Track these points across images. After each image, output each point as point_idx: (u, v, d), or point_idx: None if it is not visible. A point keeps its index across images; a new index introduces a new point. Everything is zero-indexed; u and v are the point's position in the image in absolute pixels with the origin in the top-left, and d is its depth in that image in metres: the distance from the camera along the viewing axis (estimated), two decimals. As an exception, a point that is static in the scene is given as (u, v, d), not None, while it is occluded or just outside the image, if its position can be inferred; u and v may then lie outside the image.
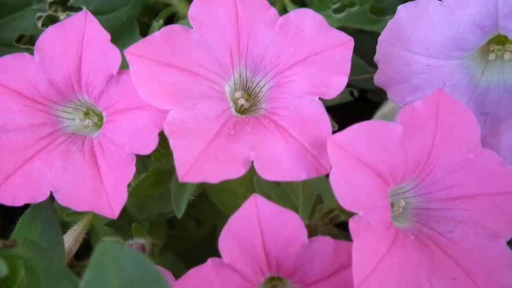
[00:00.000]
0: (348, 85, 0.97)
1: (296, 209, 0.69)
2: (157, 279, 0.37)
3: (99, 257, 0.36)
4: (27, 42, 0.84)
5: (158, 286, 0.37)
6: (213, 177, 0.55)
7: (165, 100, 0.56)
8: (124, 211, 0.82)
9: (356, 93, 0.98)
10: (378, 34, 0.65)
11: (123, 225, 0.80)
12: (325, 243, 0.56)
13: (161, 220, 0.86)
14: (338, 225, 0.66)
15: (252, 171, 0.69)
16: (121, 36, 0.80)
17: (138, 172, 0.74)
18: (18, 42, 0.82)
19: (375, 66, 0.67)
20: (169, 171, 0.70)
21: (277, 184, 0.75)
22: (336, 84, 0.59)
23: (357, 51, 0.63)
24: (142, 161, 0.83)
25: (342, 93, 1.00)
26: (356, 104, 0.93)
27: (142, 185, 0.74)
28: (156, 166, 0.75)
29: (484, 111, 0.67)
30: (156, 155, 0.76)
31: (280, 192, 0.71)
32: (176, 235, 0.92)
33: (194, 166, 0.55)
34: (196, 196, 0.77)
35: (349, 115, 0.66)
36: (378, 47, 0.65)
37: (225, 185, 0.76)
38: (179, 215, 0.67)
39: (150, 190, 0.75)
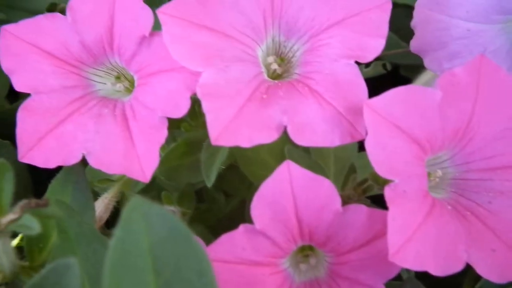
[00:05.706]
0: (380, 59, 0.96)
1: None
2: (187, 238, 0.36)
3: (129, 214, 0.35)
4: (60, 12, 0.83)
5: (189, 246, 0.36)
6: (245, 141, 0.54)
7: (197, 61, 0.55)
8: (153, 181, 0.83)
9: (389, 66, 0.96)
10: (411, 8, 0.63)
11: (153, 196, 0.80)
12: (359, 211, 0.55)
13: (190, 190, 0.86)
14: (372, 201, 0.65)
15: (283, 142, 0.68)
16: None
17: (167, 143, 0.74)
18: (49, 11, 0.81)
19: (407, 41, 0.65)
20: (199, 141, 0.69)
21: (308, 155, 0.74)
22: (373, 47, 0.57)
23: (389, 25, 0.60)
24: (171, 133, 0.83)
25: (374, 66, 0.99)
26: (388, 81, 0.90)
27: (172, 155, 0.74)
28: (186, 136, 0.75)
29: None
30: (186, 126, 0.75)
31: (311, 163, 0.69)
32: (205, 208, 0.92)
33: (227, 129, 0.54)
34: (225, 168, 0.77)
35: (381, 91, 0.64)
36: (415, 12, 0.63)
37: (255, 157, 0.75)
38: (209, 184, 0.67)
39: (180, 160, 0.75)
